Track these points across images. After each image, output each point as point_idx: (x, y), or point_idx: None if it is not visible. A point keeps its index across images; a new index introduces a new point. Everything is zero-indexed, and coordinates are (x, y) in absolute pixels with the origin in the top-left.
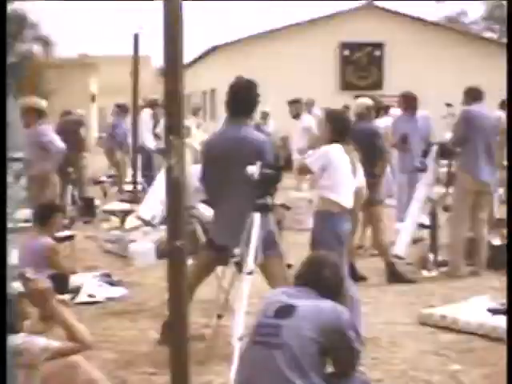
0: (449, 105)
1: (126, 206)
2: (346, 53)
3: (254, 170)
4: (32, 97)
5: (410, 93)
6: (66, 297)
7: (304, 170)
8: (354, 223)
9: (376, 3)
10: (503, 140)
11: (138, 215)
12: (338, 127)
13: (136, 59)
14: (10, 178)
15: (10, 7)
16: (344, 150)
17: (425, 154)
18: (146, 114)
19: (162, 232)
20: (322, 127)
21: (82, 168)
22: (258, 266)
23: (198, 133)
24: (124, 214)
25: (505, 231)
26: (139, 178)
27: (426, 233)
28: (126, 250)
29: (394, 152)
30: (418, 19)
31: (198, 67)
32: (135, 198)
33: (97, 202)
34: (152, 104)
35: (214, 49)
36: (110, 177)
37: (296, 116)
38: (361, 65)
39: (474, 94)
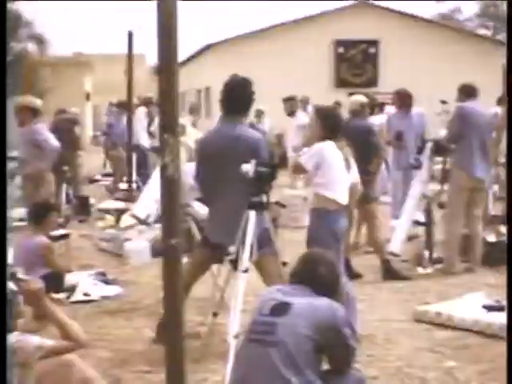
0: (443, 102)
1: (120, 205)
2: (341, 50)
3: (248, 167)
4: (27, 95)
5: (405, 90)
6: (62, 295)
7: (298, 169)
8: (349, 219)
9: (370, 1)
10: (499, 136)
11: (132, 214)
12: (329, 124)
13: (130, 58)
14: None
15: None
16: (337, 146)
17: (419, 151)
18: (140, 113)
19: (156, 230)
20: (314, 125)
21: (77, 167)
22: (253, 263)
23: (193, 131)
24: (119, 213)
25: (499, 228)
26: (134, 177)
27: (421, 230)
28: (121, 248)
29: (389, 149)
30: (413, 16)
31: (193, 66)
32: (130, 196)
33: (92, 200)
34: (146, 102)
35: (209, 47)
36: (105, 175)
37: (291, 113)
38: (355, 62)
39: (468, 91)
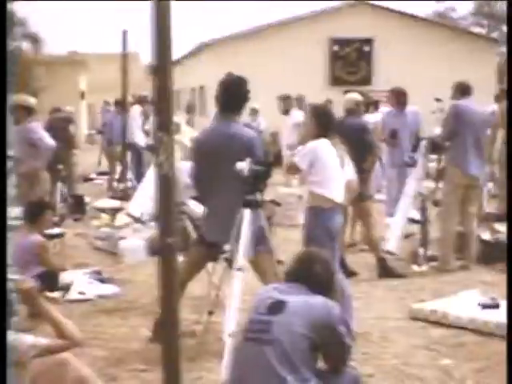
0: (438, 100)
1: (115, 203)
2: (335, 48)
3: (243, 166)
4: (21, 94)
5: (400, 88)
6: (57, 294)
7: (293, 169)
8: (344, 217)
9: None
10: (494, 134)
11: (127, 212)
12: (322, 122)
13: (125, 56)
14: None
15: None
16: (331, 143)
17: (414, 148)
18: (135, 111)
19: (152, 229)
20: (308, 123)
21: (72, 165)
22: (249, 262)
23: (188, 129)
24: (114, 211)
25: (494, 225)
26: (129, 175)
27: (416, 227)
28: (116, 247)
29: (383, 147)
30: (407, 15)
31: (187, 64)
32: (125, 195)
33: (87, 199)
34: (141, 101)
35: (203, 46)
36: (100, 174)
37: (285, 112)
38: (350, 60)
39: (462, 89)
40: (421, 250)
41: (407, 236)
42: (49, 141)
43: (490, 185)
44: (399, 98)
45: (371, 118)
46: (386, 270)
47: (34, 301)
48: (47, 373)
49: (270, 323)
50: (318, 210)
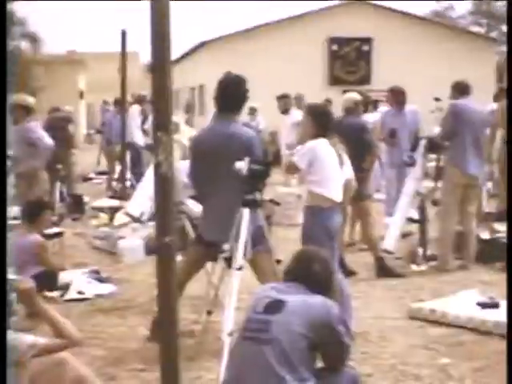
0: (437, 99)
1: (114, 203)
2: (335, 48)
3: (242, 165)
4: (20, 94)
5: (398, 87)
6: (55, 294)
7: (292, 169)
8: (343, 216)
9: None
10: (494, 133)
11: (126, 212)
12: (320, 121)
13: (124, 56)
14: None
15: None
16: (329, 143)
17: (413, 148)
18: (134, 111)
19: (150, 228)
20: (306, 123)
21: (71, 165)
22: (248, 261)
23: (187, 129)
24: (113, 211)
25: (493, 225)
26: (128, 175)
27: (414, 227)
28: (114, 246)
29: (382, 146)
30: (406, 14)
31: (187, 63)
32: (124, 194)
33: (86, 198)
34: (140, 100)
35: (202, 45)
36: (99, 173)
37: (284, 111)
38: (349, 60)
39: (461, 88)
40: (420, 250)
41: (406, 235)
42: (48, 140)
43: (490, 184)
44: (398, 97)
45: (370, 118)
46: (384, 270)
47: (32, 301)
48: (46, 372)
49: (268, 322)
50: (317, 209)
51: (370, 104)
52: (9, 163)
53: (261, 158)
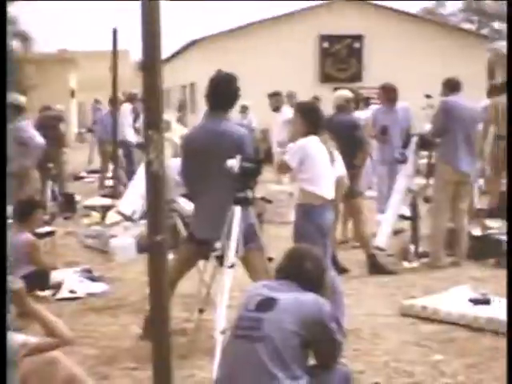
0: (428, 96)
1: (106, 201)
2: (326, 45)
3: (233, 163)
4: (11, 92)
5: (390, 84)
6: (47, 293)
7: (283, 168)
8: (335, 214)
9: None
10: (486, 130)
11: (118, 210)
12: (310, 119)
13: (115, 54)
14: None
15: None
16: (320, 140)
17: (404, 145)
18: (125, 109)
19: (142, 227)
20: (296, 121)
21: (62, 164)
22: (240, 259)
23: (179, 127)
24: (104, 210)
25: (485, 221)
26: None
27: (406, 224)
28: (106, 245)
29: (374, 143)
30: (397, 11)
31: (178, 62)
32: (115, 192)
33: (77, 197)
34: (131, 98)
35: (193, 43)
36: (90, 172)
37: (276, 109)
38: (340, 57)
39: (452, 85)
40: (411, 247)
41: (398, 232)
42: (39, 139)
43: (481, 181)
44: (389, 94)
45: (362, 115)
46: (376, 267)
47: (22, 301)
48: (37, 371)
49: (260, 320)
50: (309, 206)
51: (361, 101)
52: None
53: (252, 155)
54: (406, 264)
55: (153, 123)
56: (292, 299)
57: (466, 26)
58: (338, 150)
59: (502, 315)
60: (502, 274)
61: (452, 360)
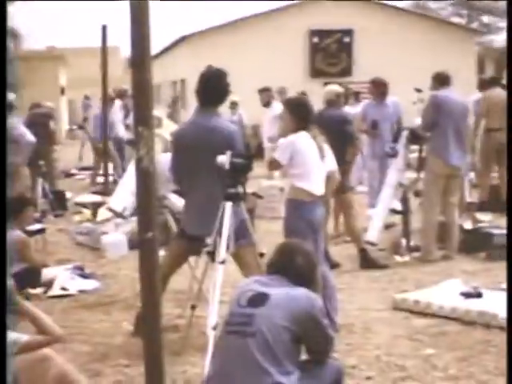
0: (418, 90)
1: (97, 198)
2: (315, 40)
3: (224, 159)
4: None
5: (380, 78)
6: (39, 290)
7: (274, 165)
8: (326, 209)
9: None
10: (478, 123)
11: (109, 207)
12: (300, 114)
13: (104, 51)
14: None
15: None
16: (310, 135)
17: (395, 139)
18: (116, 105)
19: (133, 223)
20: (285, 117)
21: (53, 161)
22: (231, 255)
23: (170, 123)
24: (95, 206)
25: (476, 215)
26: (111, 170)
27: (397, 218)
28: (98, 242)
29: (364, 138)
30: (387, 5)
31: (167, 58)
32: (106, 189)
33: (68, 194)
34: (121, 95)
35: (183, 39)
36: (81, 169)
37: (266, 104)
38: (330, 52)
39: (441, 79)
40: (403, 241)
41: (389, 227)
42: (29, 137)
43: (472, 174)
44: (379, 88)
45: (351, 110)
46: (368, 261)
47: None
48: (29, 369)
49: (251, 316)
50: (299, 202)
51: (350, 96)
52: None
53: (242, 151)
54: (397, 258)
55: (143, 119)
56: (283, 294)
57: (456, 19)
58: (329, 145)
59: (493, 308)
60: (493, 267)
61: (444, 353)
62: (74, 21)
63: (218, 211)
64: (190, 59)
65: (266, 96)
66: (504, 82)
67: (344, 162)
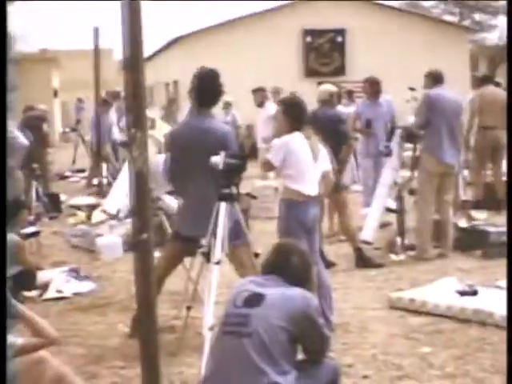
0: (412, 89)
1: (91, 201)
2: (309, 39)
3: (218, 160)
4: None
5: (373, 77)
6: (34, 293)
7: (267, 166)
8: (321, 208)
9: None
10: (472, 121)
11: (103, 209)
12: (294, 115)
13: (97, 53)
14: None
15: None
16: (304, 135)
17: (389, 138)
18: (112, 108)
19: (128, 225)
20: (279, 117)
21: (47, 163)
22: (226, 255)
23: (164, 124)
24: (90, 209)
25: (470, 213)
26: (105, 172)
27: (392, 217)
28: (92, 244)
29: (358, 137)
30: (379, 4)
31: (160, 59)
32: (101, 191)
33: (63, 197)
34: (115, 97)
35: (176, 40)
36: (75, 171)
37: (260, 104)
38: (323, 51)
39: (434, 77)
40: (398, 240)
41: (384, 225)
42: (23, 140)
43: (466, 172)
44: (373, 87)
45: (346, 109)
46: (363, 260)
47: None
48: (25, 372)
49: (247, 316)
50: (292, 203)
51: (343, 95)
52: None
53: (236, 152)
54: (392, 257)
55: (136, 121)
56: (279, 294)
57: (448, 18)
58: (323, 145)
59: (489, 306)
60: (489, 264)
61: (440, 352)
62: (67, 23)
63: (212, 212)
64: (183, 60)
65: (259, 96)
66: (497, 79)
67: (338, 162)
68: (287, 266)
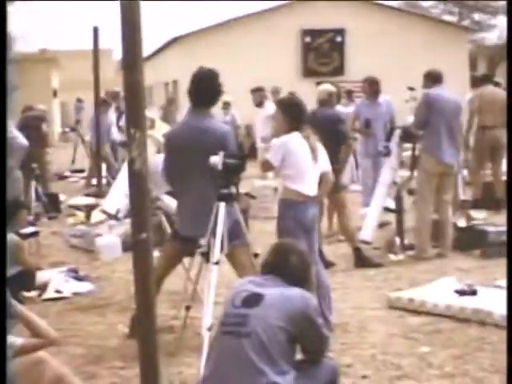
0: (411, 88)
1: (90, 201)
2: (308, 39)
3: (217, 160)
4: None
5: (372, 77)
6: (33, 293)
7: (266, 167)
8: (320, 208)
9: None
10: (472, 120)
11: (102, 209)
12: (292, 115)
13: (96, 53)
14: None
15: None
16: (303, 135)
17: (388, 138)
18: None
19: (127, 225)
20: (278, 118)
21: (46, 164)
22: (225, 255)
23: (163, 124)
24: (89, 209)
25: (469, 212)
26: (104, 172)
27: (391, 217)
28: (92, 244)
29: (358, 137)
30: (378, 4)
31: (159, 59)
32: (100, 191)
33: (62, 197)
34: (114, 97)
35: (175, 40)
36: (74, 171)
37: (259, 104)
38: (322, 51)
39: (433, 77)
40: (397, 239)
41: (383, 225)
42: (22, 140)
43: (465, 172)
44: (372, 87)
45: (345, 109)
46: (362, 260)
47: None
48: (24, 372)
49: (246, 316)
50: (291, 202)
51: (342, 95)
52: None
53: (235, 152)
54: (391, 257)
55: (135, 121)
56: (278, 294)
57: (447, 17)
58: (322, 145)
59: (488, 306)
60: (488, 264)
61: (439, 351)
62: (67, 23)
63: (211, 212)
64: (182, 60)
65: (258, 96)
66: (496, 79)
67: (337, 162)
68: (286, 266)
